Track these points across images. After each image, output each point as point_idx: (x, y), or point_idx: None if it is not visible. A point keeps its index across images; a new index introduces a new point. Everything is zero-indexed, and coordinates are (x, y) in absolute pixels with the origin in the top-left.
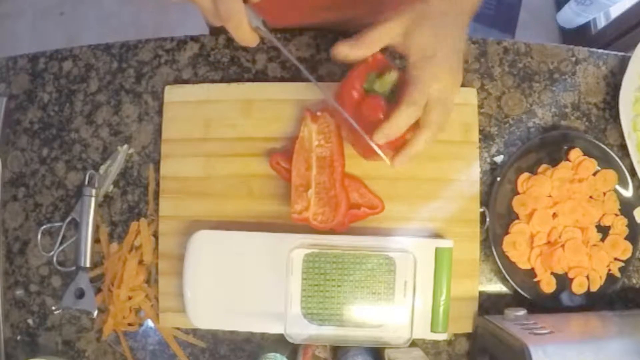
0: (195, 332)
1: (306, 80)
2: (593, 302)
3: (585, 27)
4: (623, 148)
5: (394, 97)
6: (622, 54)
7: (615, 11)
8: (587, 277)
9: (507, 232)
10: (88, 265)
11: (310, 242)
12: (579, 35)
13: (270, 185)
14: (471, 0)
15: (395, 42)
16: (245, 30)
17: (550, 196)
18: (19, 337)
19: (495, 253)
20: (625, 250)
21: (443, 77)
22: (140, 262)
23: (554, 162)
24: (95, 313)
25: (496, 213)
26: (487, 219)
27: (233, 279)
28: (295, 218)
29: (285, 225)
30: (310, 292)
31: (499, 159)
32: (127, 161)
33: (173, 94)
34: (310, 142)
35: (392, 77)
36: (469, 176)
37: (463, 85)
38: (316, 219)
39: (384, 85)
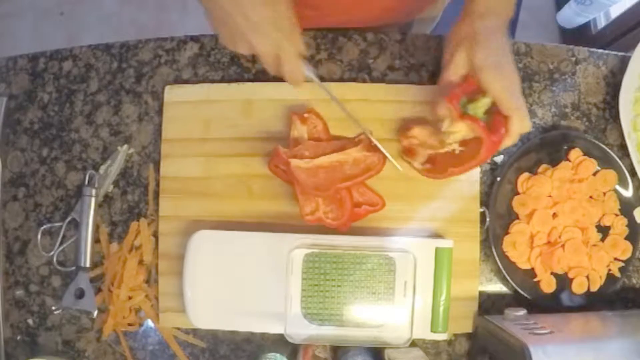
0: (195, 332)
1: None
2: (593, 302)
3: (585, 27)
4: (623, 148)
5: (489, 120)
6: (622, 54)
7: (615, 11)
8: (587, 277)
9: (507, 232)
10: (88, 265)
11: (310, 242)
12: (579, 35)
13: (270, 185)
14: (506, 9)
15: (467, 68)
16: (300, 82)
17: (550, 196)
18: (19, 337)
19: (495, 253)
20: (625, 250)
21: (514, 79)
22: (140, 262)
23: (554, 162)
24: (95, 313)
25: (496, 213)
26: (487, 219)
27: (233, 279)
28: (309, 219)
29: (285, 225)
30: (310, 292)
31: (499, 159)
32: (127, 161)
33: (173, 94)
34: None
35: (484, 102)
36: (469, 176)
37: None
38: (327, 217)
39: (476, 108)
